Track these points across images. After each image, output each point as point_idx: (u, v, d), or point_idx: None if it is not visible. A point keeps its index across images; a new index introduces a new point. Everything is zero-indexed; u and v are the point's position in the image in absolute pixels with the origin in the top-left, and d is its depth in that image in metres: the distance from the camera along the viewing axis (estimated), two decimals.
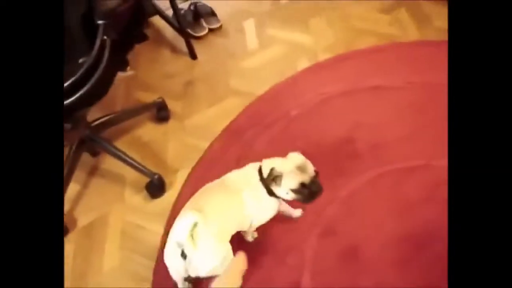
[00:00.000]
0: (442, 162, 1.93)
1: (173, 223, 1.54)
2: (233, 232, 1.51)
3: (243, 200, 1.51)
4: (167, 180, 2.00)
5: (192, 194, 1.92)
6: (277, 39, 2.65)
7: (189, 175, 2.01)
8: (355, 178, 1.89)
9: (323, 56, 2.48)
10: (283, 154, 1.95)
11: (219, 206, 1.49)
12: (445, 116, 2.06)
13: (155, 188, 1.95)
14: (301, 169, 1.48)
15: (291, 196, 1.50)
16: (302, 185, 1.47)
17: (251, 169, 1.57)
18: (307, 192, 1.49)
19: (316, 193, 1.50)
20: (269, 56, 2.56)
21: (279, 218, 1.69)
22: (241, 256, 0.60)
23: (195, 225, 1.34)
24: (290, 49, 2.58)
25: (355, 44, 2.54)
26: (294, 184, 1.47)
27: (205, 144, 2.12)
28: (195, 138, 2.18)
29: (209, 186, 1.59)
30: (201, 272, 1.38)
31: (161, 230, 1.84)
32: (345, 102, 2.21)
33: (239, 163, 1.84)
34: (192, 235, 1.34)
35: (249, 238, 1.72)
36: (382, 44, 2.51)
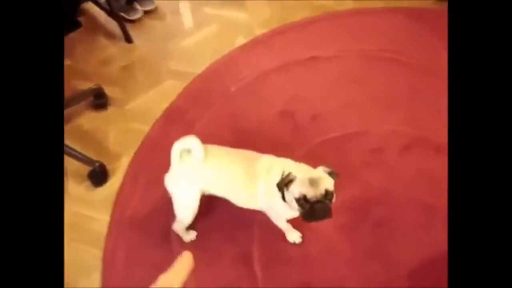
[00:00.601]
0: (378, 128, 2.01)
1: (118, 210, 1.54)
2: (213, 190, 1.57)
3: (257, 186, 1.50)
4: (110, 167, 1.98)
5: (135, 179, 1.92)
6: (213, 18, 2.64)
7: (132, 160, 2.00)
8: (297, 150, 1.93)
9: (259, 32, 2.49)
10: (225, 131, 1.97)
11: (230, 167, 1.54)
12: (380, 83, 2.17)
13: (98, 176, 1.93)
14: (312, 183, 1.36)
15: (294, 205, 1.39)
16: (305, 198, 1.36)
17: (281, 164, 1.51)
18: (308, 208, 1.36)
19: (317, 214, 1.37)
20: (206, 35, 2.55)
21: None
22: (188, 256, 0.56)
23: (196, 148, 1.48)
24: (227, 27, 2.57)
25: (291, 17, 2.56)
26: (297, 193, 1.36)
27: (146, 128, 2.11)
28: (136, 123, 2.16)
29: (239, 151, 1.60)
30: (168, 185, 1.55)
31: (107, 218, 1.83)
32: (283, 76, 2.24)
33: None
34: (189, 151, 1.49)
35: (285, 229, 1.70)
36: (316, 15, 2.55)
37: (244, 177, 1.53)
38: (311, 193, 1.35)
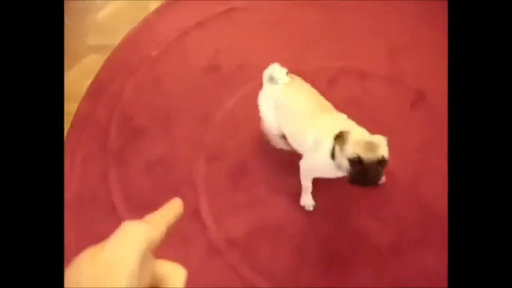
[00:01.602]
0: (304, 66, 2.05)
1: None
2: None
3: (312, 129, 1.48)
4: None
5: (73, 160, 1.89)
6: None
7: (65, 141, 1.95)
8: (227, 101, 1.95)
9: None
10: (151, 96, 1.96)
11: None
12: (298, 25, 2.20)
13: None
14: (369, 146, 1.30)
15: (343, 164, 1.34)
16: (359, 159, 1.30)
17: (343, 122, 1.47)
18: (359, 170, 1.31)
19: (368, 178, 1.32)
20: (119, 6, 2.48)
21: (163, 162, 1.73)
22: (176, 201, 0.52)
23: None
24: None
25: None
26: (351, 154, 1.30)
27: (74, 107, 2.05)
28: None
29: (319, 96, 1.60)
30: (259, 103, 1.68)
31: None
32: (203, 31, 2.22)
33: (112, 116, 1.83)
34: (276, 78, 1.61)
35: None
36: None
37: (307, 116, 1.52)
38: (367, 156, 1.30)
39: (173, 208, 0.51)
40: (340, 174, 1.44)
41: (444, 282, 1.54)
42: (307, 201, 1.69)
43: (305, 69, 2.03)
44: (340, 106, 1.88)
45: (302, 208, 1.68)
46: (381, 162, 1.31)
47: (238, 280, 1.55)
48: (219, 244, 1.61)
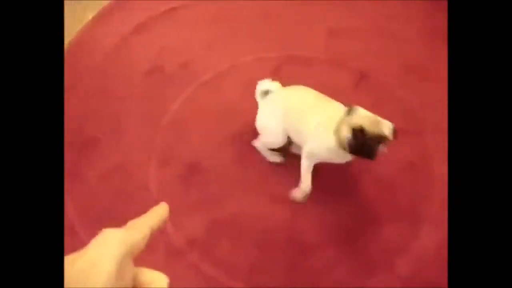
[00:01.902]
0: (246, 59, 2.07)
1: None
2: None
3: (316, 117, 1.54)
4: None
5: None
6: None
7: None
8: (174, 101, 1.94)
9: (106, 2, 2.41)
10: (98, 104, 1.94)
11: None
12: (238, 18, 2.21)
13: None
14: (374, 122, 1.38)
15: (347, 137, 1.39)
16: (361, 130, 1.36)
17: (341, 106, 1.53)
18: (361, 141, 1.36)
19: (366, 149, 1.38)
20: None
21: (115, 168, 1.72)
22: (163, 206, 0.53)
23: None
24: (73, 6, 2.46)
25: None
26: (355, 124, 1.37)
27: None
28: None
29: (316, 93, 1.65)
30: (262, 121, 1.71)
31: None
32: (144, 34, 2.20)
33: None
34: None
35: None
36: None
37: (312, 104, 1.59)
38: (370, 129, 1.36)
39: (158, 212, 0.52)
40: (342, 158, 1.52)
41: (407, 257, 1.61)
42: (299, 193, 1.67)
43: (248, 61, 2.05)
44: None
45: (258, 201, 1.70)
46: (382, 138, 1.37)
47: (202, 278, 1.56)
48: (179, 245, 1.62)
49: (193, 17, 2.26)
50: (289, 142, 1.71)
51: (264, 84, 1.69)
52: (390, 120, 1.44)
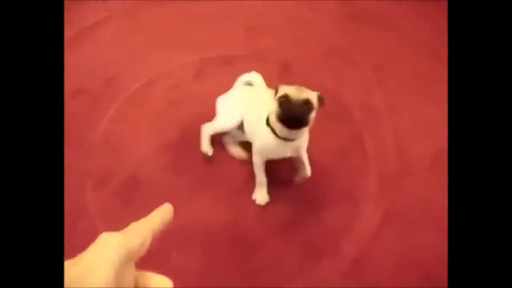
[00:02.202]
0: (169, 66, 2.07)
1: None
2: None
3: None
4: None
5: None
6: None
7: None
8: (102, 119, 1.91)
9: None
10: None
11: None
12: (156, 26, 2.20)
13: None
14: (298, 90, 1.43)
15: (275, 107, 1.45)
16: (286, 98, 1.41)
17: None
18: (287, 108, 1.41)
19: (296, 117, 1.43)
20: None
21: None
22: (167, 206, 0.52)
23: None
24: None
25: None
26: (280, 95, 1.43)
27: None
28: None
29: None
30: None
31: None
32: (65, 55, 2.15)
33: None
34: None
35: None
36: None
37: (255, 101, 1.69)
38: (294, 95, 1.41)
39: (160, 214, 0.51)
40: (284, 149, 1.57)
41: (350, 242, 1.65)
42: (260, 195, 1.70)
43: (172, 67, 2.05)
44: (214, 95, 1.93)
45: (200, 205, 1.71)
46: (307, 102, 1.42)
47: None
48: None
49: (111, 31, 2.23)
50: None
51: (253, 76, 1.79)
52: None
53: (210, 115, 1.81)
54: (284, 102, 1.42)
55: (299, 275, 1.57)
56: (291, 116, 1.43)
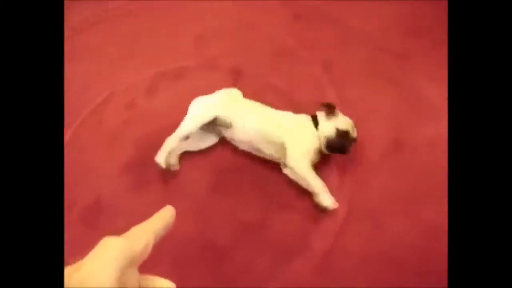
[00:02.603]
0: (122, 83, 2.06)
1: None
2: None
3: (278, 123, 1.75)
4: None
5: None
6: None
7: None
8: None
9: None
10: None
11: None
12: (95, 49, 2.18)
13: None
14: (353, 126, 1.72)
15: (331, 135, 1.67)
16: (346, 134, 1.67)
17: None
18: (342, 141, 1.67)
19: (343, 149, 1.68)
20: None
21: None
22: (169, 209, 0.51)
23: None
24: None
25: None
26: (342, 125, 1.68)
27: None
28: None
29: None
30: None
31: None
32: None
33: None
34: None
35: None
36: None
37: (271, 114, 1.82)
38: (352, 133, 1.70)
39: (163, 216, 0.50)
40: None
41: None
42: (330, 199, 1.64)
43: (122, 87, 2.04)
44: (168, 109, 1.93)
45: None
46: (354, 141, 1.71)
47: None
48: None
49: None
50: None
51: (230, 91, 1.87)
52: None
53: (166, 130, 1.81)
54: (343, 136, 1.67)
55: (273, 277, 1.59)
56: (340, 149, 1.68)
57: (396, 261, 1.60)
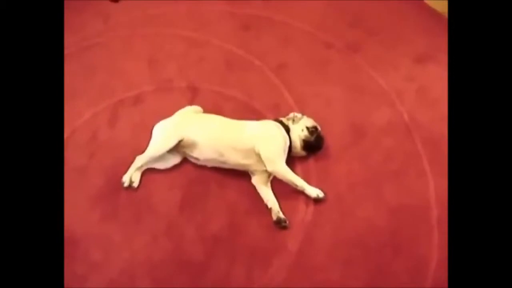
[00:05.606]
0: (82, 117, 2.05)
1: None
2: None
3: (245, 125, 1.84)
4: None
5: None
6: None
7: None
8: None
9: None
10: None
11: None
12: (68, 80, 2.17)
13: None
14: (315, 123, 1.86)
15: (304, 134, 1.81)
16: (316, 129, 1.82)
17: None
18: (316, 137, 1.81)
19: (320, 143, 1.83)
20: None
21: None
22: None
23: None
24: None
25: None
26: (310, 124, 1.83)
27: None
28: None
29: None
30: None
31: None
32: None
33: None
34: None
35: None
36: None
37: (232, 125, 1.89)
38: (319, 128, 1.84)
39: None
40: None
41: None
42: (314, 191, 1.76)
43: (84, 120, 2.05)
44: (130, 136, 1.94)
45: (140, 242, 1.72)
46: (322, 137, 1.86)
47: None
48: None
49: None
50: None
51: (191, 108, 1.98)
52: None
53: (131, 156, 1.85)
54: (314, 132, 1.81)
55: (252, 282, 1.62)
56: (318, 144, 1.83)
57: (367, 245, 1.65)
